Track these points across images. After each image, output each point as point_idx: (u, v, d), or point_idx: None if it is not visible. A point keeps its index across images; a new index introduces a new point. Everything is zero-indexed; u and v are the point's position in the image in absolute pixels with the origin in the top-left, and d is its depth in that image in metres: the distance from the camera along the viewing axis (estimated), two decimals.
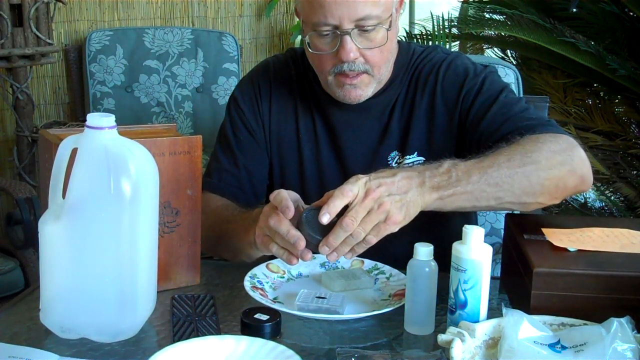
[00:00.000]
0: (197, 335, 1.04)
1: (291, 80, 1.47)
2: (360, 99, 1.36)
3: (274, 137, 1.46)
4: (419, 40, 3.16)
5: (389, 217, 1.08)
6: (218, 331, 1.07)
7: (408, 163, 1.39)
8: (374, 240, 1.09)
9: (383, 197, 1.08)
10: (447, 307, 1.08)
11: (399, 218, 1.08)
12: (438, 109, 1.39)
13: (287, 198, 1.11)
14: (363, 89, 1.34)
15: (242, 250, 1.29)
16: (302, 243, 1.08)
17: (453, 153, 1.37)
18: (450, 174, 1.13)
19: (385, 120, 1.41)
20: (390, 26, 1.31)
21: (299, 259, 1.12)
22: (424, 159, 1.38)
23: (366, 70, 1.32)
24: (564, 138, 1.25)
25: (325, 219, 1.06)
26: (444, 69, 1.41)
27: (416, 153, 1.39)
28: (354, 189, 1.08)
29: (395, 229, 1.09)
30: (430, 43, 3.13)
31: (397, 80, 1.42)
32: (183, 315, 1.11)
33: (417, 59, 1.44)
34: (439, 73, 1.41)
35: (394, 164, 1.40)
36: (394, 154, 1.40)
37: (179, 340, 1.03)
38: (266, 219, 1.12)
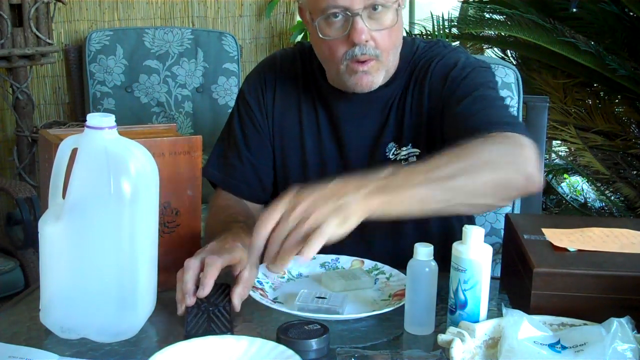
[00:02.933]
0: (211, 326, 1.06)
1: (296, 73, 1.48)
2: (372, 86, 1.36)
3: (276, 129, 1.47)
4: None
5: (321, 224, 1.00)
6: (231, 322, 1.07)
7: (404, 154, 1.41)
8: (315, 245, 0.99)
9: (313, 206, 1.01)
10: (447, 307, 1.08)
11: (332, 227, 1.00)
12: (425, 99, 1.40)
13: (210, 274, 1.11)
14: (374, 75, 1.35)
15: None
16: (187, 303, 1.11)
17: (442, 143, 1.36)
18: (392, 178, 1.06)
19: (386, 112, 1.43)
20: (399, 6, 1.32)
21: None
22: (419, 150, 1.40)
23: (376, 56, 1.33)
24: (514, 137, 1.21)
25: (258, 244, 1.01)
26: (436, 62, 1.41)
27: (410, 145, 1.41)
28: (280, 209, 1.02)
29: (332, 236, 1.00)
30: None
31: (400, 74, 1.43)
32: (197, 306, 1.11)
33: (419, 54, 1.45)
34: (431, 65, 1.41)
35: (391, 156, 1.41)
36: (391, 145, 1.42)
37: (192, 330, 1.04)
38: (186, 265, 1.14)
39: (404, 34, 1.44)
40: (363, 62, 1.32)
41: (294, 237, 1.00)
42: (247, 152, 1.47)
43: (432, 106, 1.39)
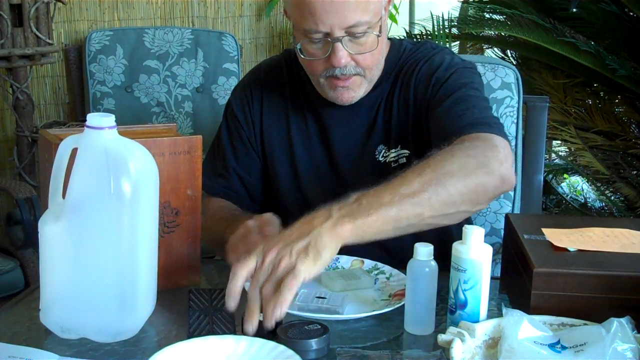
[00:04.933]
0: (214, 328, 1.06)
1: (282, 80, 1.49)
2: (353, 100, 1.37)
3: (265, 138, 1.48)
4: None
5: (294, 267, 1.00)
6: (233, 324, 1.08)
7: (393, 156, 1.40)
8: (288, 295, 0.98)
9: (280, 253, 1.01)
10: (447, 307, 1.08)
11: (305, 265, 1.00)
12: (411, 100, 1.40)
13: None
14: (355, 90, 1.36)
15: (217, 249, 1.31)
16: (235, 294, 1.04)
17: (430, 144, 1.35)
18: (360, 201, 1.06)
19: (373, 115, 1.43)
20: (380, 31, 1.32)
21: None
22: (408, 151, 1.40)
23: (358, 73, 1.33)
24: (487, 139, 1.20)
25: (231, 304, 1.02)
26: (422, 63, 1.41)
27: (399, 146, 1.41)
28: (249, 264, 1.03)
29: (307, 274, 1.00)
30: None
31: (386, 77, 1.43)
32: (199, 309, 1.13)
33: (406, 56, 1.44)
34: (417, 66, 1.41)
35: (380, 158, 1.41)
36: (380, 147, 1.42)
37: (195, 332, 1.05)
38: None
39: (404, 33, 1.43)
40: (344, 79, 1.33)
41: (270, 286, 1.00)
42: (234, 162, 1.48)
43: (418, 107, 1.39)
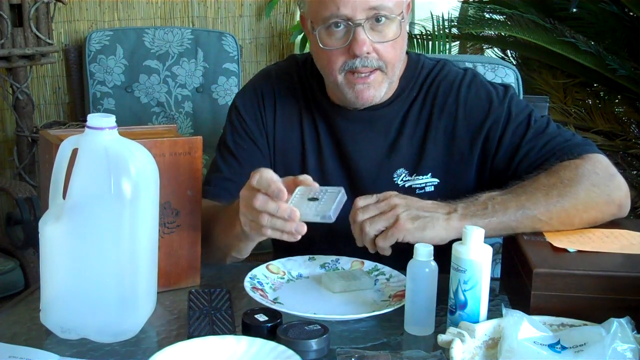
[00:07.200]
0: (214, 328, 1.06)
1: (294, 87, 1.43)
2: (373, 100, 1.32)
3: (278, 147, 1.42)
4: (419, 40, 3.16)
5: (397, 221, 1.13)
6: (233, 324, 1.08)
7: (420, 183, 1.37)
8: (381, 243, 1.15)
9: (398, 206, 1.14)
10: (447, 307, 1.08)
11: (408, 225, 1.13)
12: (459, 133, 1.36)
13: (275, 180, 1.09)
14: (376, 88, 1.30)
15: (231, 246, 1.26)
16: (297, 214, 1.08)
17: (472, 179, 1.36)
18: (486, 205, 1.18)
19: (394, 135, 1.37)
20: (402, 18, 1.29)
21: (297, 232, 1.09)
22: (438, 180, 1.36)
23: (379, 67, 1.28)
24: (602, 165, 1.27)
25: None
26: (464, 92, 1.37)
27: (430, 174, 1.36)
28: (369, 199, 1.17)
29: (401, 235, 1.13)
30: (430, 43, 3.13)
31: (405, 94, 1.38)
32: (199, 309, 1.12)
33: (428, 74, 1.40)
34: (459, 95, 1.36)
35: (399, 182, 1.37)
36: (400, 171, 1.37)
37: (195, 332, 1.05)
38: (248, 203, 1.10)
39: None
40: (364, 75, 1.28)
41: (374, 225, 1.15)
42: (246, 166, 1.37)
43: (469, 142, 1.35)
